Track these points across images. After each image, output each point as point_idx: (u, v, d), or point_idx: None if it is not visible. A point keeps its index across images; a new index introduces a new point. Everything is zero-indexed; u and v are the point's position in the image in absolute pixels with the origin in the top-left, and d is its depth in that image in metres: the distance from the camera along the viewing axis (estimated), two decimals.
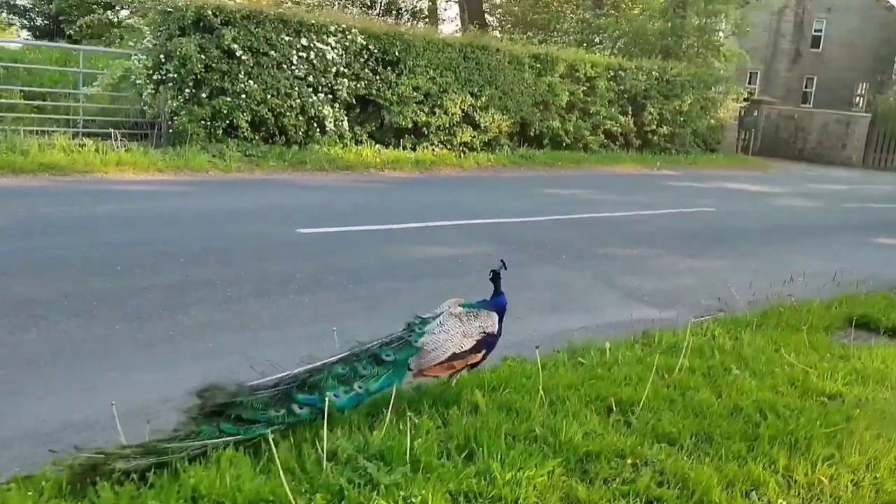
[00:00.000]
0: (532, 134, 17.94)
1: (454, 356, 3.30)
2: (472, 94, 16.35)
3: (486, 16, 31.41)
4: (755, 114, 26.13)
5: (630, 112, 20.09)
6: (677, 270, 8.27)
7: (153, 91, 12.23)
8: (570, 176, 16.28)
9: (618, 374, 4.28)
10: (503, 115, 16.98)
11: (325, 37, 13.94)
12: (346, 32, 14.26)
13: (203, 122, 12.53)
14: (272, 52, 13.23)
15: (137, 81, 12.41)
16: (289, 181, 11.95)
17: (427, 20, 35.47)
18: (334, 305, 5.85)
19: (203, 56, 12.40)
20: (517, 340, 4.79)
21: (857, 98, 37.07)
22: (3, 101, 12.88)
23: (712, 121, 22.49)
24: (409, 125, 15.36)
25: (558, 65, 18.13)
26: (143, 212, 8.63)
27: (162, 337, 4.78)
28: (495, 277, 3.59)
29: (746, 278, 6.99)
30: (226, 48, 12.63)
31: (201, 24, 12.49)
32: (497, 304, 3.59)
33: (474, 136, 16.55)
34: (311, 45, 13.74)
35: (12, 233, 7.13)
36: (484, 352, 3.47)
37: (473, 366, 3.53)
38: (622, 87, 19.79)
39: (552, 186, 14.15)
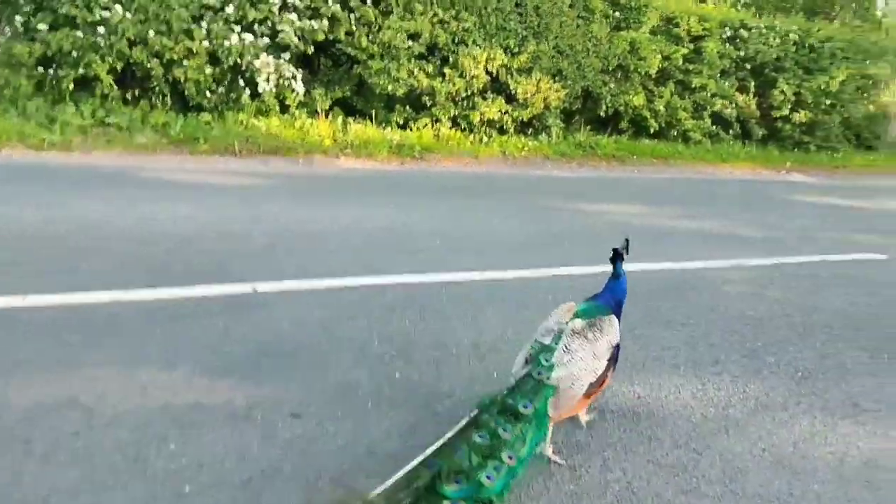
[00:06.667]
0: (601, 114, 12.34)
1: (591, 386, 2.65)
2: (505, 50, 10.94)
3: None
4: None
5: (753, 89, 14.00)
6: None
7: None
8: (646, 180, 10.63)
9: None
10: (554, 82, 11.44)
11: None
12: None
13: (33, 68, 7.80)
14: None
15: None
16: (138, 170, 7.04)
17: None
18: None
19: None
20: None
21: None
22: None
23: (871, 107, 15.99)
24: (402, 91, 10.18)
25: (648, 15, 12.41)
26: None
27: None
28: (615, 257, 2.95)
29: None
30: None
31: None
32: (615, 293, 2.94)
33: (506, 112, 11.13)
34: None
35: None
36: (612, 368, 2.78)
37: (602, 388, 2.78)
38: (743, 54, 13.75)
39: (600, 198, 8.61)
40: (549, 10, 11.26)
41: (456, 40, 10.50)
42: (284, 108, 9.48)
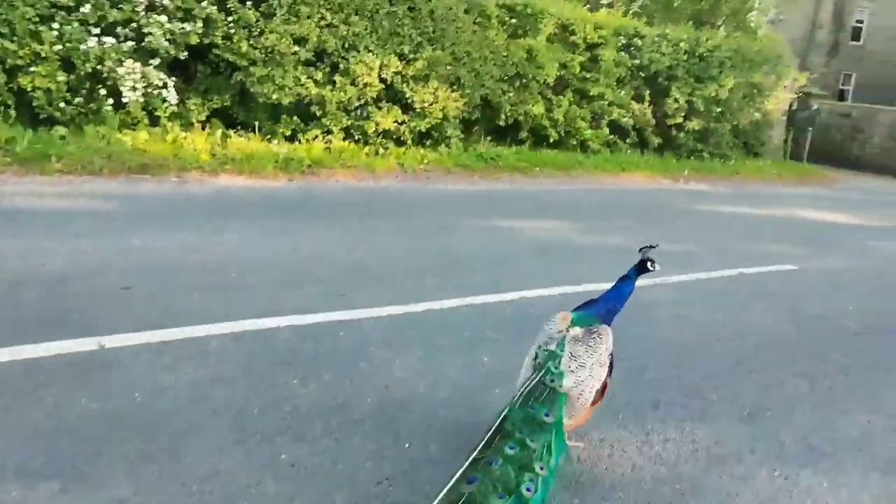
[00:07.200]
0: (501, 123, 11.90)
1: (596, 393, 2.65)
2: (400, 56, 10.28)
3: None
4: (814, 108, 19.94)
5: (648, 97, 13.95)
6: None
7: None
8: (550, 192, 10.25)
9: None
10: (452, 90, 10.90)
11: None
12: None
13: None
14: None
15: None
16: None
17: None
18: None
19: None
20: None
21: None
22: None
23: (757, 114, 16.34)
24: (288, 100, 9.35)
25: (544, 22, 12.06)
26: None
27: None
28: (641, 267, 2.96)
29: None
30: None
31: None
32: (608, 302, 2.92)
33: (403, 122, 10.46)
34: None
35: None
36: (610, 375, 2.78)
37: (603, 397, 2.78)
38: (638, 62, 13.66)
39: (506, 213, 8.12)
40: (444, 15, 10.69)
41: (346, 46, 9.75)
42: (154, 120, 8.45)
